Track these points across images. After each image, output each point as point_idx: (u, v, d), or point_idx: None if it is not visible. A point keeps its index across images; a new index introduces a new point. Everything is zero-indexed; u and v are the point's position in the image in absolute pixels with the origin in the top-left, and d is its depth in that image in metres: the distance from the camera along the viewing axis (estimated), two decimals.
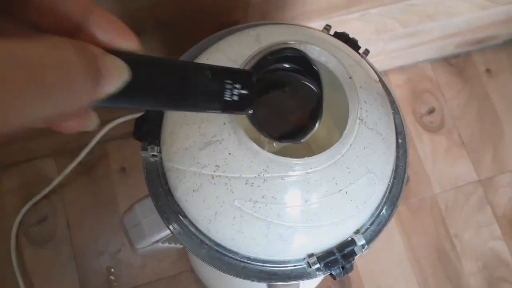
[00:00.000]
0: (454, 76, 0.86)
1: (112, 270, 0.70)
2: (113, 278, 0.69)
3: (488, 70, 0.86)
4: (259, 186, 0.25)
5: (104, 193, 0.73)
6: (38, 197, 0.71)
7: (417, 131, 0.82)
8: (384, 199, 0.31)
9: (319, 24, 0.58)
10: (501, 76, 0.86)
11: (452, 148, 0.81)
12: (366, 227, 0.30)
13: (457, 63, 0.86)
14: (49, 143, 0.70)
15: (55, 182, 0.70)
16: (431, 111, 0.83)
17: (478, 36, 0.81)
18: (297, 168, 0.24)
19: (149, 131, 0.30)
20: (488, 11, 0.72)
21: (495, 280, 0.76)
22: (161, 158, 0.30)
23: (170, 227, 0.30)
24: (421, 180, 0.79)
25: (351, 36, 0.33)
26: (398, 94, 0.84)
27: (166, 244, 0.37)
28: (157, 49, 0.51)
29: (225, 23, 0.50)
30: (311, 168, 0.24)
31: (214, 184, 0.25)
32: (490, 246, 0.77)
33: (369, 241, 0.30)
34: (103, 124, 0.67)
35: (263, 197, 0.25)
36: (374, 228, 0.31)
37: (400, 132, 0.32)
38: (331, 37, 0.31)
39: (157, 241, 0.34)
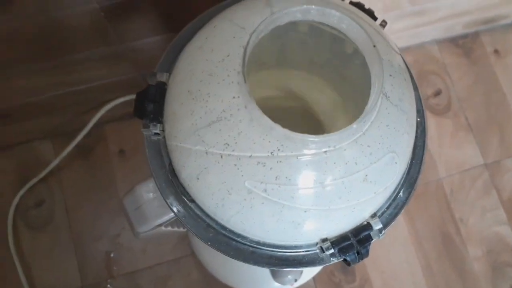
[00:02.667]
0: (461, 57, 0.83)
1: (112, 254, 0.68)
2: (112, 262, 0.68)
3: (496, 51, 0.84)
4: (272, 166, 0.23)
5: (103, 176, 0.71)
6: (35, 180, 0.69)
7: None
8: (402, 181, 0.29)
9: None
10: (509, 56, 0.84)
11: (458, 131, 0.80)
12: (382, 210, 0.28)
13: (464, 43, 0.84)
14: (46, 124, 0.68)
15: (52, 164, 0.69)
16: (438, 93, 0.81)
17: (487, 15, 0.79)
18: (313, 147, 0.22)
19: (151, 108, 0.28)
20: None
21: (500, 264, 0.75)
22: (164, 137, 0.28)
23: (174, 209, 0.28)
24: (426, 163, 0.77)
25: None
26: None
27: (169, 228, 0.36)
28: (153, 25, 0.49)
29: None
30: (329, 147, 0.22)
31: (223, 164, 0.23)
32: (495, 231, 0.77)
33: (385, 225, 0.28)
34: (100, 105, 0.65)
35: (276, 178, 0.23)
36: (391, 212, 0.29)
37: (418, 110, 0.30)
38: (348, 4, 0.29)
39: (159, 225, 0.32)
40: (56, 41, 0.46)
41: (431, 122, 0.80)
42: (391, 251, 0.73)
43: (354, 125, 0.22)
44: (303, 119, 0.41)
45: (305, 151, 0.22)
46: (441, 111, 0.81)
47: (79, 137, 0.68)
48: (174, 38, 0.30)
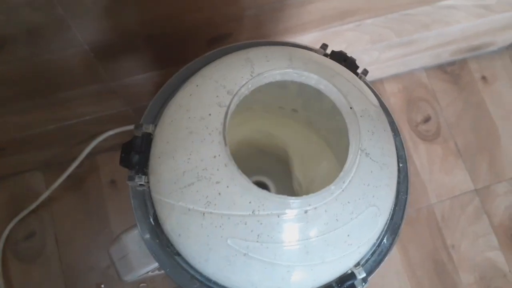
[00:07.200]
0: (450, 83, 0.85)
1: (102, 286, 0.68)
2: None
3: (483, 78, 0.86)
4: (253, 224, 0.23)
5: (94, 206, 0.71)
6: (25, 211, 0.68)
7: (413, 140, 0.80)
8: (385, 228, 0.29)
9: (314, 36, 0.56)
10: (497, 83, 0.85)
11: (448, 157, 0.80)
12: (366, 258, 0.29)
13: (452, 70, 0.85)
14: (38, 156, 0.68)
15: (43, 196, 0.68)
16: (427, 120, 0.82)
17: (473, 43, 0.81)
18: (294, 206, 0.23)
19: (136, 159, 0.28)
20: (484, 19, 0.71)
21: None
22: (149, 188, 0.28)
23: (159, 260, 0.28)
24: (417, 190, 0.78)
25: (346, 50, 0.32)
26: (393, 102, 0.83)
27: (156, 272, 0.35)
28: (142, 63, 0.50)
29: (218, 36, 0.48)
30: (310, 205, 0.23)
31: (205, 221, 0.24)
32: (487, 257, 0.77)
33: (369, 273, 0.29)
34: (92, 137, 0.65)
35: (258, 236, 0.23)
36: (375, 259, 0.29)
37: (400, 156, 0.31)
38: (328, 59, 0.30)
39: (146, 273, 0.32)
40: (48, 80, 0.47)
41: (421, 148, 0.80)
42: (385, 279, 0.72)
43: (332, 186, 0.22)
44: (285, 159, 0.41)
45: (286, 211, 0.23)
46: (431, 137, 0.82)
47: (70, 169, 0.67)
48: (158, 91, 0.30)
